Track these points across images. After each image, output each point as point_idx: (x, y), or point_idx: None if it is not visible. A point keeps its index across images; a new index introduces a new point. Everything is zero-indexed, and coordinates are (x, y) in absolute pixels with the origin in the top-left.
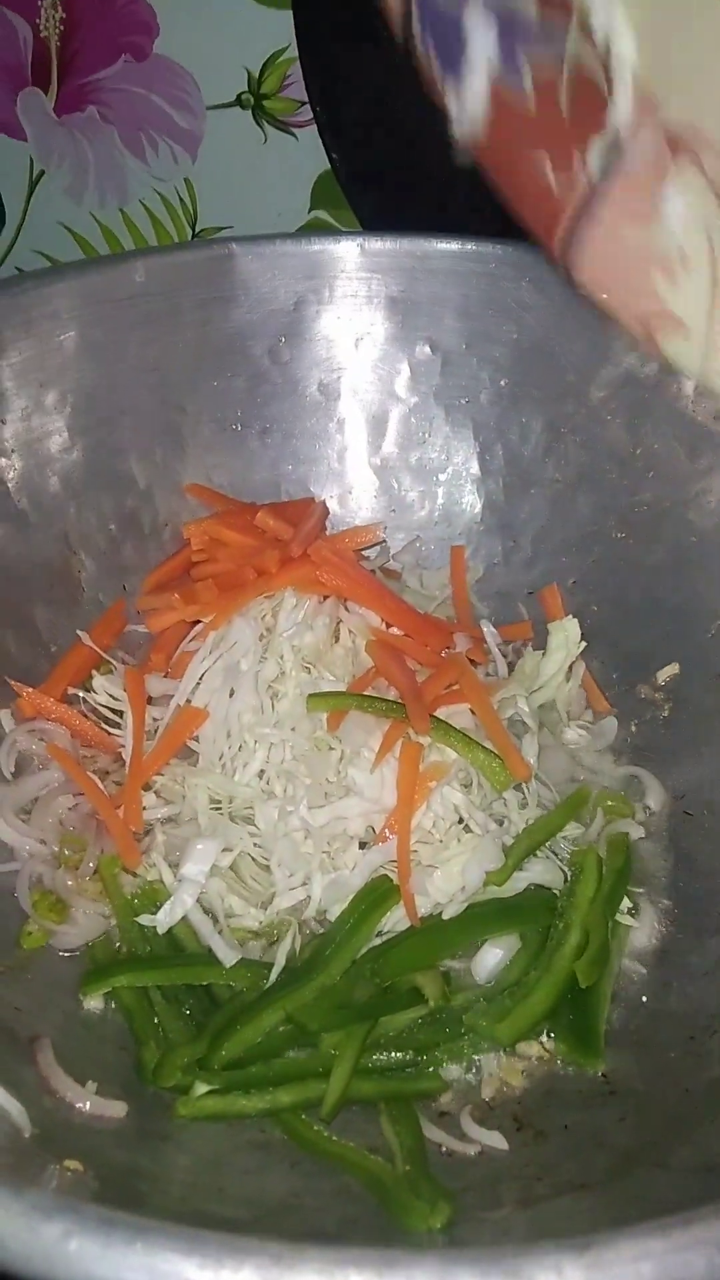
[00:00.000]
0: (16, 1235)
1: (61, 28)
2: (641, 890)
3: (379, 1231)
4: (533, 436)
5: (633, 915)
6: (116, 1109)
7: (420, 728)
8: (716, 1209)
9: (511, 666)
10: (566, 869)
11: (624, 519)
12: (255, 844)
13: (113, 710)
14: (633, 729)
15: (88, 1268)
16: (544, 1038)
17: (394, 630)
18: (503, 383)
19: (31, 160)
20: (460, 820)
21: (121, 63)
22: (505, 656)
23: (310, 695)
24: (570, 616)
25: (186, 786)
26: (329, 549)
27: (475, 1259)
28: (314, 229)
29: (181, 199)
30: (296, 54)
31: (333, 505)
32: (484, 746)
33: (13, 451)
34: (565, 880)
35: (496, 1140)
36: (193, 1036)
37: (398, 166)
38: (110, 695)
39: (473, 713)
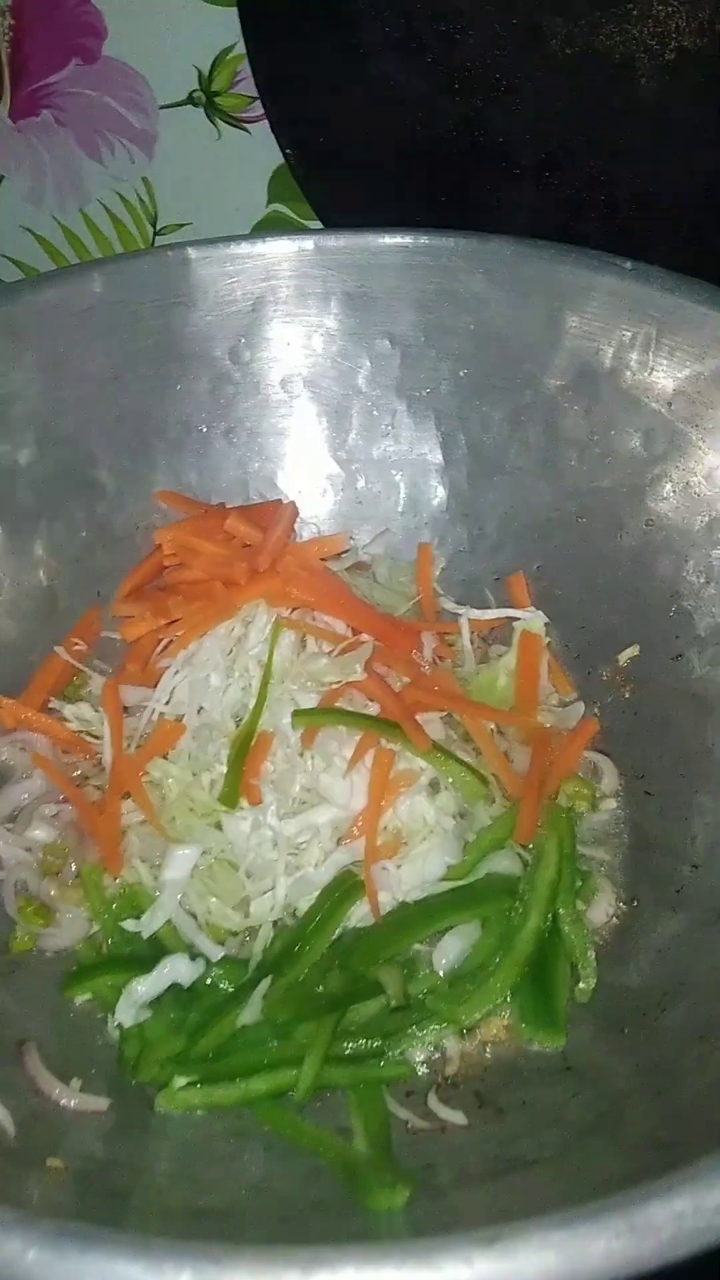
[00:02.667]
0: None
1: (10, 34)
2: (600, 867)
3: (345, 1212)
4: (494, 425)
5: (590, 892)
6: (99, 1104)
7: (422, 744)
8: (616, 1201)
9: (481, 656)
10: (525, 854)
11: (584, 505)
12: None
13: (88, 733)
14: (595, 711)
15: (47, 1276)
16: (506, 1016)
17: (363, 636)
18: (462, 373)
19: None
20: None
21: (72, 66)
22: (474, 646)
23: (296, 712)
24: (534, 610)
25: (163, 786)
26: (297, 563)
27: (393, 1252)
28: (272, 223)
29: (141, 198)
30: (245, 50)
31: (300, 500)
32: (476, 770)
33: None
34: (524, 866)
35: (457, 1118)
36: (172, 1031)
37: (352, 157)
38: (81, 720)
39: (443, 722)
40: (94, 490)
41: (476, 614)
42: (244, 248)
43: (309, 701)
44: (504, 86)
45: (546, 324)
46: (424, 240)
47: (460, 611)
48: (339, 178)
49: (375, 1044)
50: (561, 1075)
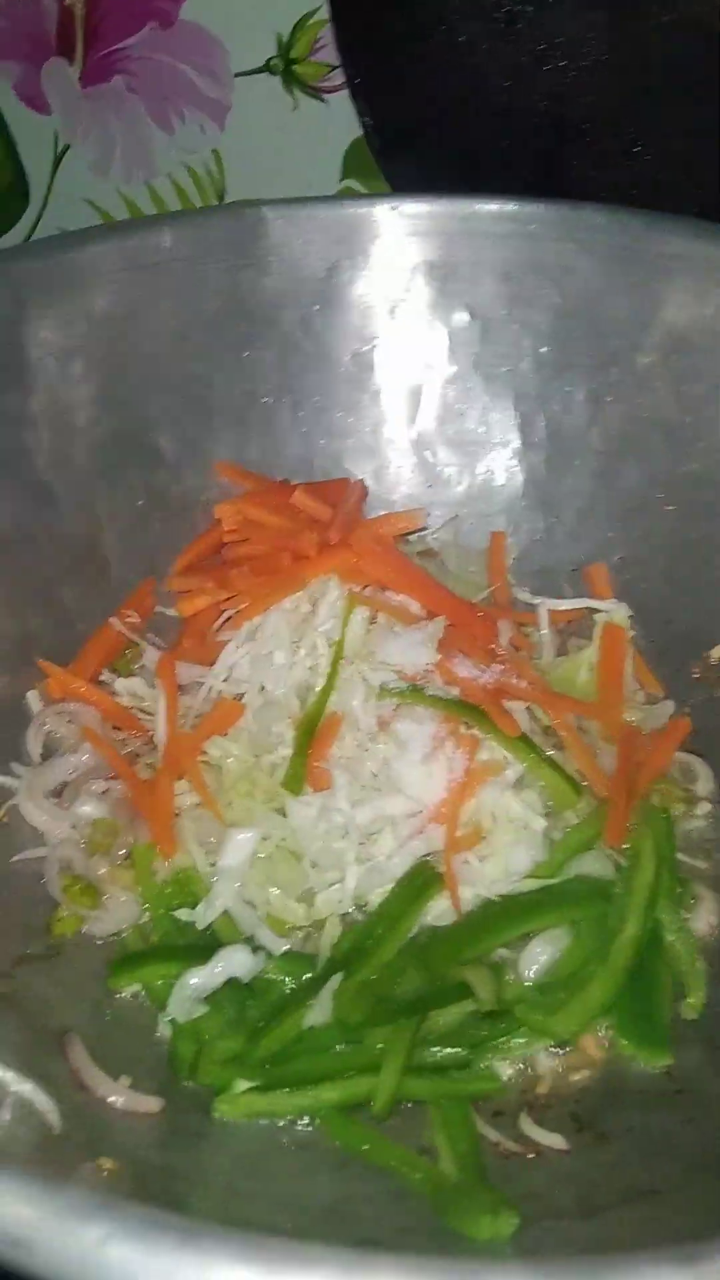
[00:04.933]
0: (51, 1238)
1: None
2: (699, 875)
3: (439, 1241)
4: (575, 406)
5: (690, 901)
6: (151, 1104)
7: (510, 729)
8: None
9: (559, 649)
10: (617, 857)
11: (672, 491)
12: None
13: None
14: (685, 710)
15: (130, 1276)
16: (603, 1032)
17: (438, 618)
18: (544, 350)
19: (56, 135)
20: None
21: (148, 30)
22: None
23: (381, 690)
24: (617, 601)
25: (221, 767)
26: (371, 537)
27: (563, 1269)
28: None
29: (209, 171)
30: (328, 15)
31: (368, 481)
32: (565, 772)
33: (40, 423)
34: (616, 869)
35: (556, 1142)
36: (229, 1030)
37: (432, 130)
38: (133, 695)
39: (529, 711)
40: (153, 457)
41: (555, 604)
42: (322, 209)
43: (381, 682)
44: (595, 57)
45: (638, 296)
46: (512, 207)
47: (536, 603)
48: (418, 151)
49: (461, 1054)
50: (671, 1099)
